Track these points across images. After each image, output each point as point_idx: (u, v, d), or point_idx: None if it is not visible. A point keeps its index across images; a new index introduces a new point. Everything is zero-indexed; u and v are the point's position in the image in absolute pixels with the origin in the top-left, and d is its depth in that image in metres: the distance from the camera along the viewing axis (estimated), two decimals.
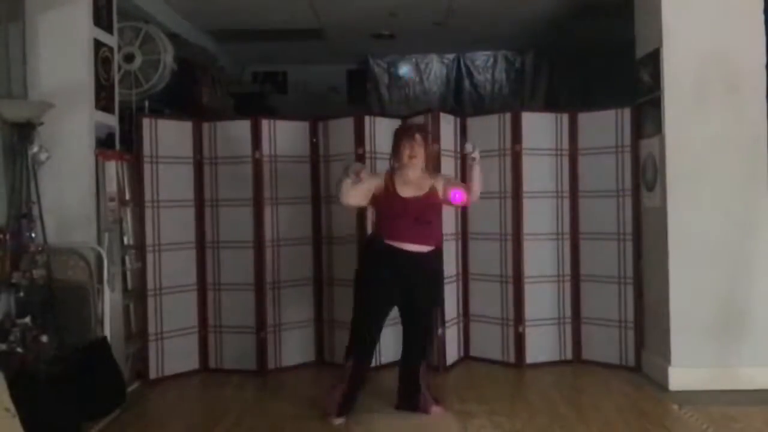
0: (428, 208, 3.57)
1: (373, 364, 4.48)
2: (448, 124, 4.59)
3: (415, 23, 6.45)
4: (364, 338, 3.63)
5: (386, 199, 3.57)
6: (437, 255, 3.70)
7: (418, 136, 3.57)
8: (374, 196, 3.59)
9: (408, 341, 3.73)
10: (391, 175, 3.62)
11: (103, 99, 4.14)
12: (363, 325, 3.63)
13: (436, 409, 3.68)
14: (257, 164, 4.50)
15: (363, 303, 3.65)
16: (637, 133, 4.40)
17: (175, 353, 4.45)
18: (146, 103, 4.86)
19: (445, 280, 4.47)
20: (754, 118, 4.01)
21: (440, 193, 3.61)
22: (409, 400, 3.70)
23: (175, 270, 4.46)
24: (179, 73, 5.09)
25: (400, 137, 3.62)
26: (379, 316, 3.64)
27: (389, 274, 3.54)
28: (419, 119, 4.55)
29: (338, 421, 3.56)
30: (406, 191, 3.56)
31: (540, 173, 4.60)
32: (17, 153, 3.64)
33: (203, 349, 4.60)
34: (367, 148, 4.51)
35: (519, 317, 4.56)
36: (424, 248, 3.54)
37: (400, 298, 3.62)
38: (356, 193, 3.54)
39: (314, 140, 4.72)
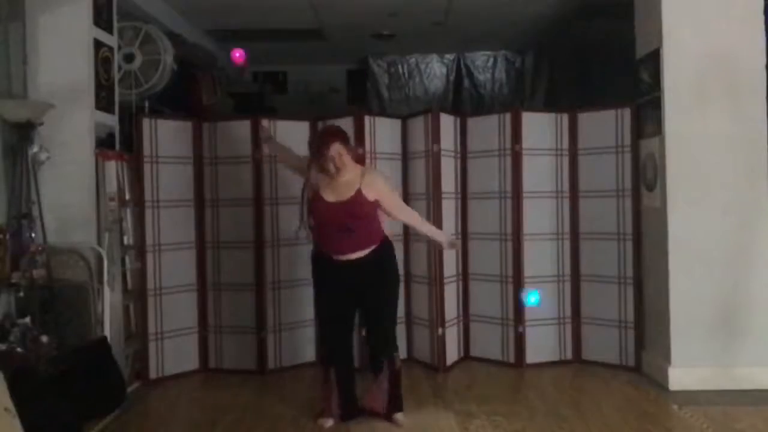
0: (352, 215, 3.38)
1: None
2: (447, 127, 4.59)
3: (415, 23, 6.45)
4: (332, 345, 3.59)
5: (314, 202, 3.46)
6: (378, 255, 3.48)
7: (337, 145, 3.37)
8: (310, 194, 3.49)
9: (369, 345, 3.68)
10: (315, 173, 3.47)
11: (103, 99, 4.14)
12: (326, 333, 3.63)
13: (398, 417, 3.54)
14: (257, 164, 4.50)
15: (319, 312, 3.71)
16: (637, 133, 4.40)
17: (175, 353, 4.45)
18: (146, 103, 4.86)
19: (446, 280, 4.48)
20: (754, 118, 4.01)
21: (369, 198, 3.41)
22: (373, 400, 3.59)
23: (175, 270, 4.46)
24: (179, 73, 5.09)
25: (319, 144, 3.43)
26: (338, 322, 3.56)
27: (331, 282, 3.52)
28: (419, 120, 4.55)
29: (328, 423, 3.52)
30: (330, 194, 3.42)
31: (540, 173, 4.60)
32: (17, 153, 3.65)
33: (203, 349, 4.60)
34: (367, 148, 4.51)
35: (519, 317, 4.56)
36: (358, 254, 3.42)
37: (352, 302, 3.54)
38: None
39: None
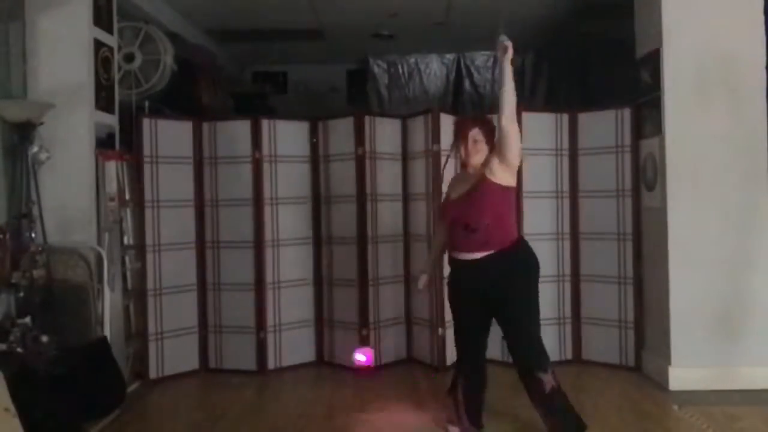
0: (473, 208, 3.09)
1: (374, 363, 4.52)
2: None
3: (415, 23, 6.45)
4: (461, 355, 3.37)
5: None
6: (508, 253, 3.13)
7: (475, 131, 3.12)
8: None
9: (510, 351, 3.33)
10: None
11: (103, 99, 4.14)
12: (458, 342, 3.36)
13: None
14: (257, 164, 4.50)
15: (454, 320, 3.38)
16: (637, 133, 4.40)
17: (175, 353, 4.45)
18: (146, 103, 4.86)
19: (445, 280, 4.47)
20: (754, 118, 4.01)
21: (491, 173, 3.06)
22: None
23: (175, 270, 4.46)
24: (179, 73, 5.09)
25: (455, 132, 3.22)
26: (470, 333, 3.31)
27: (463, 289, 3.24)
28: (419, 120, 4.55)
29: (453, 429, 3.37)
30: (454, 193, 3.22)
31: (540, 173, 4.60)
32: (17, 153, 3.65)
33: (203, 349, 4.60)
34: (367, 148, 4.52)
35: None
36: (481, 254, 3.10)
37: (483, 310, 3.23)
38: None
39: (314, 140, 4.72)
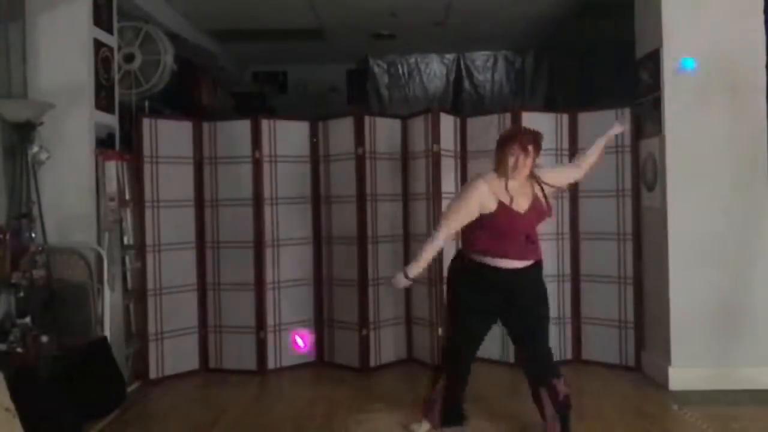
0: (535, 222, 3.18)
1: (372, 364, 4.52)
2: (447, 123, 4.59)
3: (415, 23, 6.45)
4: (458, 358, 3.36)
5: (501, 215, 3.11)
6: (539, 266, 3.24)
7: (530, 148, 3.12)
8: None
9: (528, 361, 3.34)
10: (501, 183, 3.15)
11: (103, 99, 4.14)
12: (460, 346, 3.34)
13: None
14: (257, 164, 4.50)
15: (460, 324, 3.30)
16: (637, 133, 4.40)
17: (175, 353, 4.45)
18: (146, 103, 4.86)
19: (444, 281, 4.47)
20: (754, 117, 4.01)
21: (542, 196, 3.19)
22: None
23: (175, 270, 4.46)
24: (179, 73, 5.09)
25: (508, 144, 3.16)
26: (477, 339, 3.33)
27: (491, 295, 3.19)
28: (419, 120, 4.55)
29: (425, 428, 3.39)
30: (514, 204, 3.12)
31: None
32: (17, 153, 3.65)
33: (203, 349, 4.60)
34: (367, 148, 4.52)
35: None
36: (528, 263, 3.16)
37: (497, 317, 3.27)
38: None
39: (314, 140, 4.72)
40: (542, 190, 3.21)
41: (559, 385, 3.18)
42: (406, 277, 3.17)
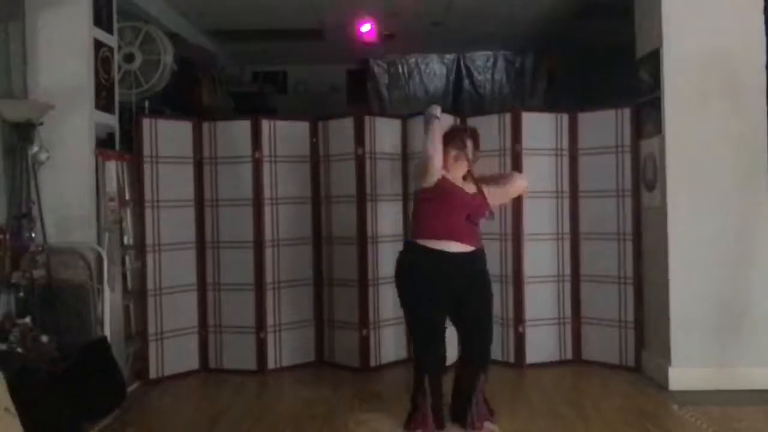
0: (481, 207, 3.36)
1: (372, 364, 4.53)
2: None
3: (415, 23, 6.45)
4: (425, 349, 3.38)
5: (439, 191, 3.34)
6: (483, 255, 3.45)
7: (469, 143, 3.42)
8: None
9: (469, 347, 3.45)
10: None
11: (103, 99, 4.14)
12: (423, 336, 3.37)
13: (488, 426, 3.34)
14: (257, 164, 4.50)
15: (414, 315, 3.39)
16: (637, 133, 4.40)
17: (175, 353, 4.45)
18: (146, 103, 4.86)
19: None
20: (754, 118, 4.01)
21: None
22: (460, 413, 3.38)
23: (175, 270, 4.46)
24: (179, 73, 5.09)
25: (445, 142, 3.40)
26: (436, 324, 3.36)
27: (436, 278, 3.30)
28: (419, 120, 4.55)
29: None
30: (459, 185, 3.39)
31: (540, 173, 4.59)
32: (17, 153, 3.65)
33: (203, 349, 4.60)
34: (367, 148, 4.51)
35: (519, 317, 4.56)
36: (470, 248, 3.32)
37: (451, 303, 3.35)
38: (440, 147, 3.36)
39: (314, 140, 4.72)
40: (482, 194, 3.38)
41: (484, 377, 3.41)
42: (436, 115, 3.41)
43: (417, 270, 3.32)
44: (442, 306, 3.33)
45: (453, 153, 3.40)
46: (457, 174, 3.42)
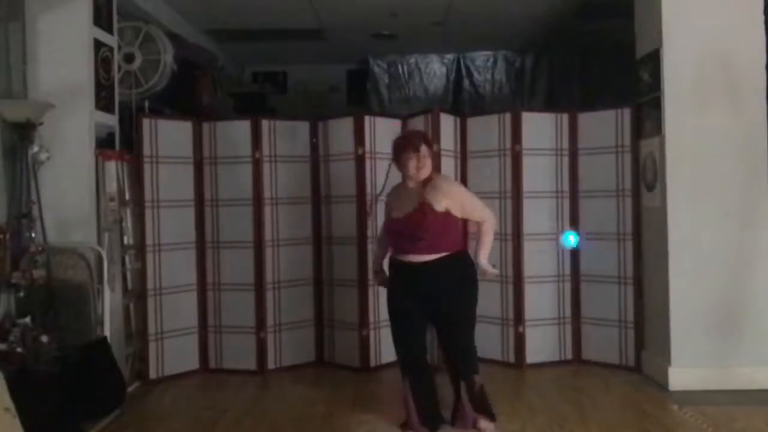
0: (418, 227, 3.29)
1: (372, 364, 4.52)
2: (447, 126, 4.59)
3: (415, 23, 6.45)
4: (406, 354, 3.46)
5: (387, 220, 3.57)
6: (453, 261, 3.35)
7: (423, 148, 3.34)
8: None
9: (452, 354, 3.47)
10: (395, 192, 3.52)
11: (103, 99, 4.14)
12: (397, 339, 3.48)
13: (483, 423, 3.33)
14: (257, 164, 4.50)
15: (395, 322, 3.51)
16: (637, 133, 4.40)
17: (175, 353, 4.45)
18: (146, 103, 4.86)
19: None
20: (754, 118, 4.01)
21: (447, 209, 3.32)
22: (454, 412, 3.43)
23: (175, 270, 4.46)
24: (179, 73, 5.09)
25: (403, 148, 3.37)
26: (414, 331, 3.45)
27: (402, 286, 3.43)
28: (419, 120, 4.55)
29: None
30: (397, 211, 3.43)
31: (540, 173, 4.60)
32: (17, 153, 3.65)
33: (203, 349, 4.60)
34: (367, 148, 4.52)
35: (519, 317, 4.56)
36: (429, 257, 3.30)
37: (422, 308, 3.39)
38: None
39: (314, 140, 4.72)
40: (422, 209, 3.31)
41: (477, 378, 3.38)
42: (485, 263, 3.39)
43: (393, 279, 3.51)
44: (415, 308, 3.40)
45: (412, 160, 3.32)
46: (418, 178, 3.35)
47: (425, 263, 3.32)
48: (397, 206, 3.45)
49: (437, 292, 3.33)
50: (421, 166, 3.33)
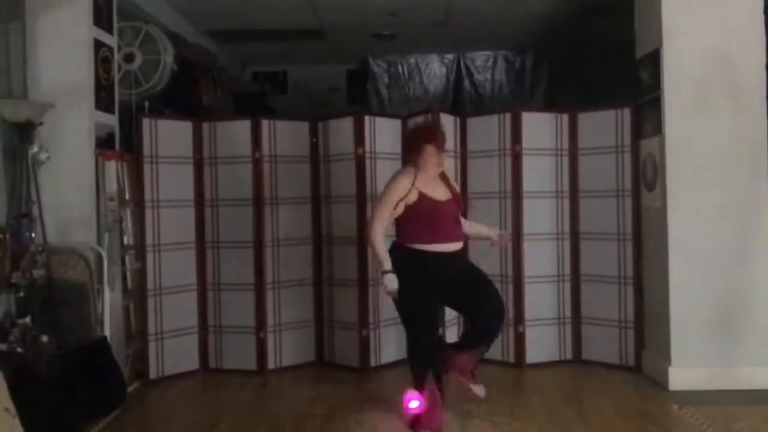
0: (458, 210, 3.54)
1: (372, 364, 4.52)
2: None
3: (415, 23, 6.45)
4: (429, 338, 3.49)
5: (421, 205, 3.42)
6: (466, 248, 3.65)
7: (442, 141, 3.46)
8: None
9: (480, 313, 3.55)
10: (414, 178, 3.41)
11: (103, 99, 4.14)
12: (423, 328, 3.46)
13: (475, 388, 3.45)
14: (257, 164, 4.50)
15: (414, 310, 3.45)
16: (637, 133, 4.40)
17: (175, 353, 4.45)
18: (146, 103, 4.86)
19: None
20: (754, 118, 4.01)
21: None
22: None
23: (175, 270, 4.46)
24: (179, 73, 5.09)
25: (425, 139, 3.43)
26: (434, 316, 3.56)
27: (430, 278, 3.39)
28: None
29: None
30: (436, 195, 3.43)
31: (540, 173, 4.59)
32: (17, 153, 3.65)
33: (203, 349, 4.60)
34: (367, 148, 4.51)
35: (519, 317, 4.56)
36: (459, 245, 3.47)
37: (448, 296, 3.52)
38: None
39: (314, 140, 4.72)
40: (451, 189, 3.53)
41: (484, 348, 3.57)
42: (387, 272, 3.36)
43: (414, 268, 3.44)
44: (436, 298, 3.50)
45: (435, 155, 3.41)
46: (434, 173, 3.46)
47: (455, 252, 3.44)
48: (432, 191, 3.43)
49: (457, 275, 3.45)
50: (441, 163, 3.47)
